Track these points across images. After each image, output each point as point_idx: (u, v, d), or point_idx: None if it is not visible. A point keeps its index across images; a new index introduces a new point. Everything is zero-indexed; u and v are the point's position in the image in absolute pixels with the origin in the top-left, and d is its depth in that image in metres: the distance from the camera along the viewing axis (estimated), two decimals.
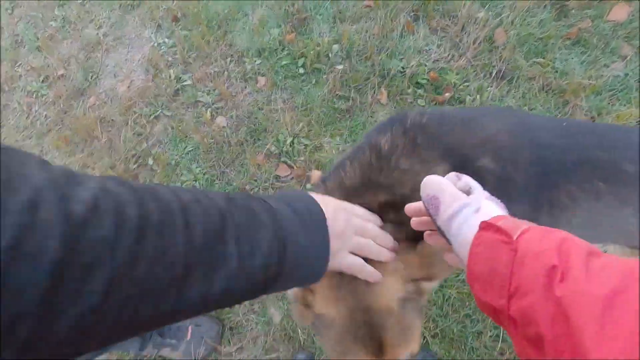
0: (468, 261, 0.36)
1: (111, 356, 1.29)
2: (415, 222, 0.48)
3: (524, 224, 0.34)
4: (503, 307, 0.31)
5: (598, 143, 0.62)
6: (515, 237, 0.32)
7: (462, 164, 0.62)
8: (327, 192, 0.63)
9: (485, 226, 0.35)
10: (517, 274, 0.30)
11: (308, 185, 1.46)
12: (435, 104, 1.54)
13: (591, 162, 0.61)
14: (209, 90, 1.73)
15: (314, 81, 1.66)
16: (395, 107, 1.57)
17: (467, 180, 0.44)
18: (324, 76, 1.64)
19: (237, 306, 1.31)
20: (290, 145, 1.55)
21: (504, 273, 0.31)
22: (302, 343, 1.24)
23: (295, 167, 1.51)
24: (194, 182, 1.53)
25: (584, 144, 0.63)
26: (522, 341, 0.30)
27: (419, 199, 0.46)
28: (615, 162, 0.60)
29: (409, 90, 1.58)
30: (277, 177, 1.51)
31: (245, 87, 1.72)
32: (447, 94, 1.53)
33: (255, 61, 1.75)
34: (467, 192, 0.43)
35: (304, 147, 1.55)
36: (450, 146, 0.63)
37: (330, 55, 1.68)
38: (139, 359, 1.27)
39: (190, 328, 1.26)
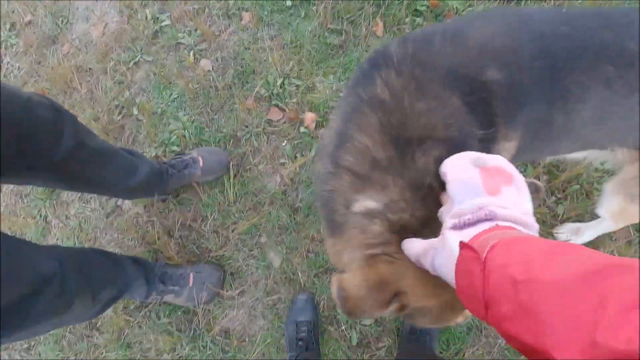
0: (455, 277, 0.39)
1: (118, 304, 1.32)
2: None
3: (494, 239, 0.37)
4: (485, 316, 0.35)
5: (601, 24, 0.57)
6: (484, 255, 0.36)
7: (469, 87, 0.56)
8: (359, 177, 0.53)
9: (463, 246, 0.39)
10: (487, 286, 0.34)
11: (302, 129, 1.39)
12: None
13: (597, 45, 0.57)
14: (190, 31, 1.59)
15: (302, 14, 1.51)
16: (391, 40, 1.44)
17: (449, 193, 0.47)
18: (314, 8, 1.49)
19: (236, 252, 1.32)
20: (281, 87, 1.45)
21: (478, 286, 0.35)
22: (302, 285, 1.26)
23: (287, 110, 1.43)
24: (182, 130, 1.46)
25: (587, 26, 0.57)
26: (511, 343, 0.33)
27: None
28: (621, 42, 0.56)
29: (407, 20, 1.44)
30: (269, 122, 1.44)
31: (229, 25, 1.58)
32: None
33: None
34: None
35: (295, 88, 1.45)
36: (450, 71, 0.56)
37: None
38: (145, 306, 1.31)
39: (191, 275, 1.27)
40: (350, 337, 1.18)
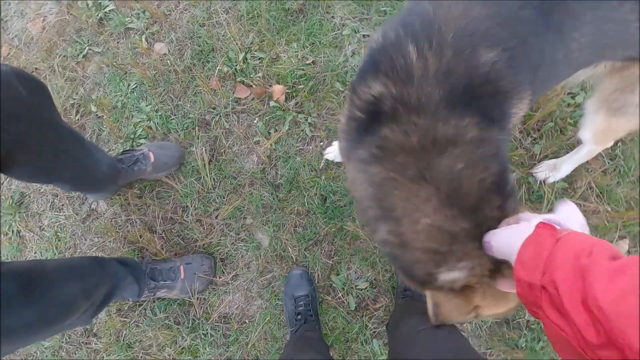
0: (520, 249, 0.44)
1: (111, 307, 1.29)
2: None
3: (568, 230, 0.44)
4: (537, 280, 0.40)
5: None
6: (559, 235, 0.42)
7: (474, 96, 0.53)
8: (436, 253, 0.55)
9: (542, 225, 0.45)
10: (554, 253, 0.40)
11: (272, 103, 1.34)
12: None
13: None
14: (138, 13, 1.48)
15: None
16: None
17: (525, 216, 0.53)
18: None
19: (223, 238, 1.29)
20: (244, 62, 1.38)
21: (544, 254, 0.40)
22: (294, 260, 1.25)
23: (254, 86, 1.37)
24: (147, 122, 1.39)
25: None
26: (550, 310, 0.39)
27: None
28: None
29: None
30: (236, 101, 1.38)
31: (179, 2, 1.48)
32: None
33: None
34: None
35: (259, 61, 1.38)
36: (449, 94, 0.52)
37: None
38: (139, 304, 1.28)
39: (181, 267, 1.25)
40: (348, 302, 1.19)
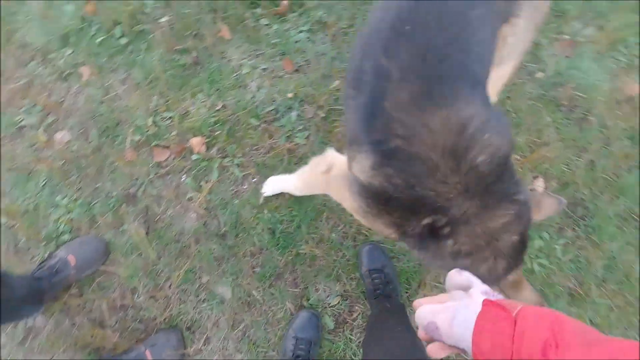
0: (473, 336, 0.37)
1: None
2: (433, 352, 0.45)
3: (520, 304, 0.38)
4: None
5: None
6: (514, 313, 0.36)
7: (490, 182, 0.64)
8: None
9: (488, 303, 0.39)
10: (518, 345, 0.33)
11: (194, 156, 1.33)
12: (279, 17, 1.45)
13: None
14: (28, 109, 1.41)
15: (143, 47, 1.43)
16: (241, 38, 1.44)
17: (467, 275, 0.48)
18: (151, 36, 1.43)
19: (182, 305, 1.22)
20: (155, 126, 1.37)
21: (507, 346, 0.34)
22: (263, 302, 1.22)
23: (171, 145, 1.35)
24: (67, 215, 1.30)
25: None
26: None
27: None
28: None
29: (247, 14, 1.45)
30: (157, 165, 1.35)
31: (70, 87, 1.44)
32: (284, 2, 1.44)
33: (64, 52, 1.45)
34: (467, 287, 0.46)
35: (169, 120, 1.38)
36: (477, 196, 0.63)
37: (146, 10, 1.45)
38: None
39: (147, 352, 1.15)
40: (325, 323, 1.18)
